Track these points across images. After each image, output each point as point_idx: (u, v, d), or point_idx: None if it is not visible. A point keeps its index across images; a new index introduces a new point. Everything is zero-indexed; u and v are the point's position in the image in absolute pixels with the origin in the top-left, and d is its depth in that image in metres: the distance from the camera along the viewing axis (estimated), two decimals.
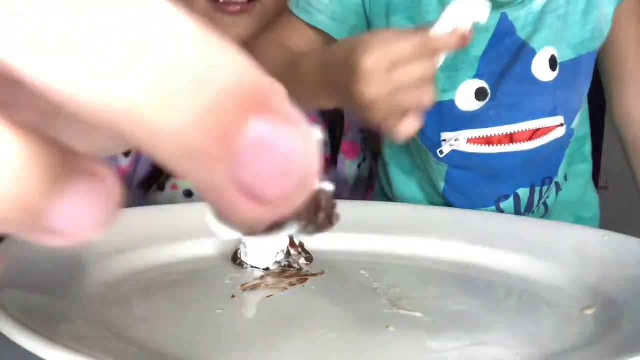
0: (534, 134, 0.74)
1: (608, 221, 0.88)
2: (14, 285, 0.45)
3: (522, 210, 0.78)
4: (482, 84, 0.72)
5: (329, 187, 0.25)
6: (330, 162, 0.90)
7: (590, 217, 0.87)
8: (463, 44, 0.55)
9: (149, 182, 0.87)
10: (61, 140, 0.15)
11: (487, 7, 0.56)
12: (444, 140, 0.75)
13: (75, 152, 0.15)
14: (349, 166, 0.92)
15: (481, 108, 0.73)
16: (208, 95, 0.13)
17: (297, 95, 0.65)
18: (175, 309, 0.51)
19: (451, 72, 0.72)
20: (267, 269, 0.58)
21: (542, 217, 0.81)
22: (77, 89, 0.12)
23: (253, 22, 0.81)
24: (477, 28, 0.70)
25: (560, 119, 0.74)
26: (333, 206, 0.25)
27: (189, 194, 0.87)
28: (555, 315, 0.53)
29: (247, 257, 0.59)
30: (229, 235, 0.22)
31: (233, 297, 0.53)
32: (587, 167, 0.86)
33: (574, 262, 0.60)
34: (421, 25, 0.59)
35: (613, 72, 0.81)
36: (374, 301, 0.53)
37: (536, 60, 0.72)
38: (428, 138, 0.76)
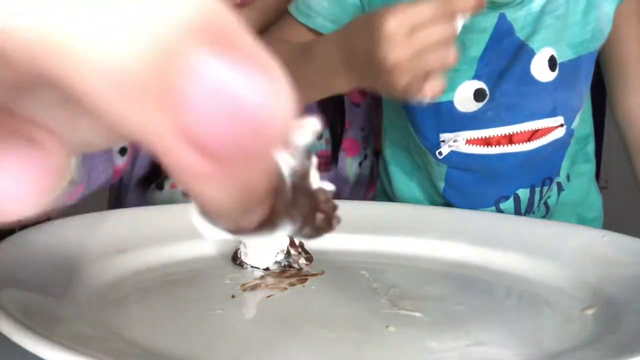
0: (533, 134, 0.74)
1: (608, 221, 0.88)
2: (14, 285, 0.45)
3: (523, 210, 0.78)
4: (480, 84, 0.72)
5: (328, 187, 0.23)
6: (331, 159, 0.89)
7: (593, 217, 0.87)
8: (480, 5, 0.55)
9: (147, 181, 0.87)
10: (45, 125, 0.15)
11: None
12: (443, 141, 0.75)
13: (14, 114, 0.13)
14: (349, 164, 0.91)
15: (480, 109, 0.73)
16: (157, 26, 0.11)
17: (310, 80, 0.65)
18: (175, 309, 0.51)
19: (450, 73, 0.72)
20: (267, 269, 0.58)
21: (544, 217, 0.81)
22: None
23: (253, 15, 0.80)
24: (475, 29, 0.70)
25: (560, 120, 0.74)
26: (333, 208, 0.23)
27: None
28: (555, 315, 0.53)
29: (247, 257, 0.59)
30: (215, 235, 0.20)
31: (233, 297, 0.53)
32: (590, 167, 0.86)
33: (574, 262, 0.60)
34: None
35: (614, 71, 0.81)
36: (374, 301, 0.53)
37: (535, 61, 0.72)
38: (427, 139, 0.75)
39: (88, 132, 0.18)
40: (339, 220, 0.24)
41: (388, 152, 0.85)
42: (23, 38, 0.11)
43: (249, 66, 0.12)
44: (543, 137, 0.74)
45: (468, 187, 0.78)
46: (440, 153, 0.75)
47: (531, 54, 0.71)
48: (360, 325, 0.49)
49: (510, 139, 0.74)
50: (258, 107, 0.12)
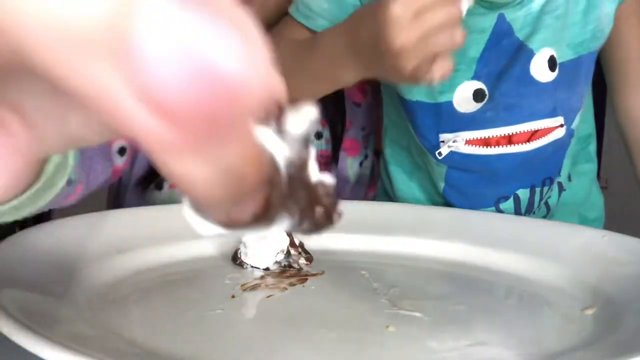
0: (533, 135, 0.74)
1: (608, 221, 0.88)
2: (14, 285, 0.45)
3: (523, 211, 0.78)
4: (480, 85, 0.72)
5: (328, 179, 0.22)
6: (332, 159, 0.89)
7: (595, 217, 0.87)
8: None
9: (146, 181, 0.87)
10: (34, 120, 0.14)
11: None
12: (442, 142, 0.75)
13: None
14: (350, 164, 0.91)
15: (479, 109, 0.73)
16: None
17: (316, 74, 0.65)
18: (175, 309, 0.51)
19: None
20: (267, 269, 0.58)
21: (545, 217, 0.81)
22: None
23: (254, 12, 0.80)
24: (474, 29, 0.70)
25: (560, 120, 0.74)
26: (334, 202, 0.22)
27: None
28: (555, 315, 0.53)
29: (247, 257, 0.59)
30: (209, 230, 0.19)
31: (233, 297, 0.53)
32: (592, 166, 0.85)
33: (574, 262, 0.60)
34: None
35: (616, 71, 0.81)
36: (374, 301, 0.53)
37: (535, 61, 0.72)
38: (426, 139, 0.75)
39: (79, 126, 0.18)
40: (340, 215, 0.22)
41: (388, 152, 0.85)
42: None
43: (219, 21, 0.11)
44: (543, 137, 0.74)
45: (468, 187, 0.78)
46: (439, 153, 0.75)
47: (530, 54, 0.71)
48: (360, 325, 0.49)
49: (509, 140, 0.74)
50: (228, 68, 0.11)
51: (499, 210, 0.78)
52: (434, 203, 0.82)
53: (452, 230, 0.67)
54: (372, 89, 0.92)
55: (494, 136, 0.73)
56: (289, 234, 0.60)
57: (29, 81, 0.15)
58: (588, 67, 0.75)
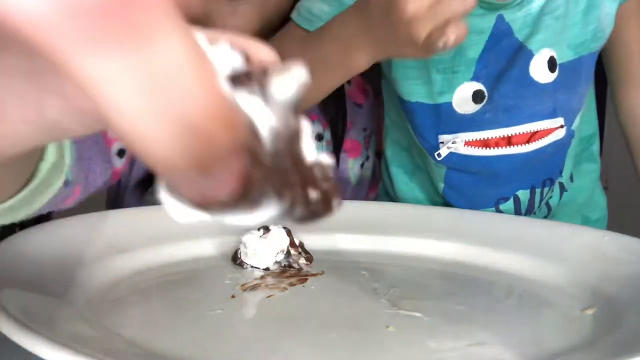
0: (533, 136, 0.73)
1: (609, 221, 0.88)
2: (14, 285, 0.45)
3: (523, 211, 0.78)
4: (479, 86, 0.72)
5: (327, 160, 0.19)
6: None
7: (597, 218, 0.86)
8: None
9: (145, 183, 0.87)
10: (4, 104, 0.14)
11: None
12: (442, 143, 0.75)
13: None
14: (351, 166, 0.91)
15: (478, 111, 0.73)
16: None
17: (326, 62, 0.64)
18: (175, 309, 0.51)
19: (448, 75, 0.72)
20: (267, 269, 0.58)
21: (546, 217, 0.81)
22: None
23: (253, 13, 0.79)
24: (473, 30, 0.70)
25: (560, 121, 0.74)
26: (333, 187, 0.19)
27: None
28: (555, 315, 0.53)
29: (247, 257, 0.59)
30: (185, 215, 0.17)
31: (233, 297, 0.53)
32: (594, 166, 0.85)
33: (574, 262, 0.60)
34: None
35: (617, 70, 0.81)
36: (374, 301, 0.53)
37: (534, 62, 0.72)
38: (426, 140, 0.75)
39: (57, 112, 0.17)
40: (340, 202, 0.20)
41: (389, 153, 0.85)
42: None
43: None
44: (542, 138, 0.74)
45: (467, 188, 0.78)
46: (439, 154, 0.75)
47: (530, 55, 0.71)
48: (360, 325, 0.49)
49: (509, 141, 0.73)
50: None
51: (499, 211, 0.78)
52: (434, 203, 0.82)
53: (452, 230, 0.67)
54: (374, 90, 0.92)
55: (494, 137, 0.73)
56: (289, 234, 0.60)
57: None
58: (589, 68, 0.75)
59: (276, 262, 0.59)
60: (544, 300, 0.55)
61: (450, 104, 0.73)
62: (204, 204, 0.16)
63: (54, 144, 0.41)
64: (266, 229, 0.59)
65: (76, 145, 0.48)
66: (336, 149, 0.89)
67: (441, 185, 0.78)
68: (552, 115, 0.73)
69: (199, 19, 0.18)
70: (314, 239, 0.62)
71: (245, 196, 0.16)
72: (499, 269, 0.61)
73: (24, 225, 0.56)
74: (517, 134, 0.73)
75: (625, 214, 1.13)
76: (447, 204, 0.80)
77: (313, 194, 0.19)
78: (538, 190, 0.78)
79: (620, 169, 0.97)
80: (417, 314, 0.50)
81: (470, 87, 0.72)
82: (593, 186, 0.86)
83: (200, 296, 0.53)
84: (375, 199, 0.91)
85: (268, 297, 0.53)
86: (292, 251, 0.60)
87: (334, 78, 0.67)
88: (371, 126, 0.92)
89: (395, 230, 0.67)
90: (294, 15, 0.75)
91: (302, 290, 0.55)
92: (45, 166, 0.42)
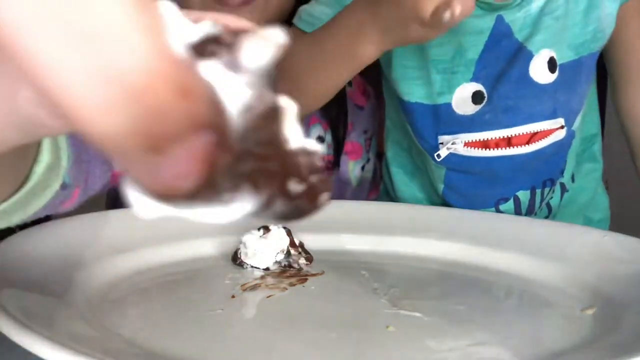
0: (533, 137, 0.73)
1: (609, 221, 0.88)
2: (14, 285, 0.45)
3: (523, 212, 0.78)
4: (478, 87, 0.72)
5: (314, 146, 0.16)
6: (333, 163, 0.89)
7: (600, 219, 0.86)
8: None
9: None
10: None
11: None
12: (441, 144, 0.74)
13: None
14: (352, 168, 0.91)
15: (478, 112, 0.73)
16: None
17: (333, 53, 0.64)
18: (175, 309, 0.51)
19: (448, 75, 0.72)
20: (267, 269, 0.58)
21: (547, 218, 0.80)
22: None
23: (255, 16, 0.79)
24: (473, 31, 0.70)
25: (560, 121, 0.74)
26: (321, 180, 0.16)
27: None
28: (555, 315, 0.53)
29: (247, 257, 0.59)
30: (149, 209, 0.15)
31: (233, 297, 0.53)
32: (596, 166, 0.85)
33: (574, 262, 0.60)
34: None
35: (618, 71, 0.81)
36: (374, 301, 0.53)
37: (534, 63, 0.71)
38: (425, 141, 0.75)
39: (32, 105, 0.16)
40: (328, 197, 0.16)
41: (390, 153, 0.85)
42: None
43: None
44: (543, 139, 0.74)
45: (467, 189, 0.78)
46: (438, 155, 0.75)
47: (529, 55, 0.71)
48: (360, 325, 0.49)
49: (509, 142, 0.73)
50: None
51: (499, 212, 0.78)
52: (434, 204, 0.81)
53: (452, 230, 0.67)
54: (375, 91, 0.92)
55: (493, 138, 0.73)
56: (289, 234, 0.60)
57: None
58: (589, 68, 0.75)
59: (276, 262, 0.59)
60: (544, 300, 0.55)
61: (449, 104, 0.73)
62: (167, 195, 0.14)
63: (48, 145, 0.41)
64: (266, 228, 0.59)
65: (74, 147, 0.47)
66: (337, 152, 0.89)
67: (441, 186, 0.78)
68: (553, 115, 0.73)
69: None
70: (314, 239, 0.62)
71: (210, 185, 0.14)
72: (499, 269, 0.61)
73: (24, 225, 0.56)
74: (517, 134, 0.73)
75: (625, 214, 1.13)
76: (446, 204, 0.79)
77: (296, 187, 0.15)
78: (538, 191, 0.78)
79: (620, 169, 0.96)
80: (417, 314, 0.50)
81: (470, 87, 0.72)
82: (595, 187, 0.85)
83: (200, 296, 0.53)
84: (376, 200, 0.91)
85: (268, 297, 0.53)
86: (292, 251, 0.60)
87: (342, 71, 0.67)
88: (372, 128, 0.92)
89: (395, 230, 0.67)
90: (296, 21, 0.75)
91: (302, 290, 0.55)
92: (39, 168, 0.41)
